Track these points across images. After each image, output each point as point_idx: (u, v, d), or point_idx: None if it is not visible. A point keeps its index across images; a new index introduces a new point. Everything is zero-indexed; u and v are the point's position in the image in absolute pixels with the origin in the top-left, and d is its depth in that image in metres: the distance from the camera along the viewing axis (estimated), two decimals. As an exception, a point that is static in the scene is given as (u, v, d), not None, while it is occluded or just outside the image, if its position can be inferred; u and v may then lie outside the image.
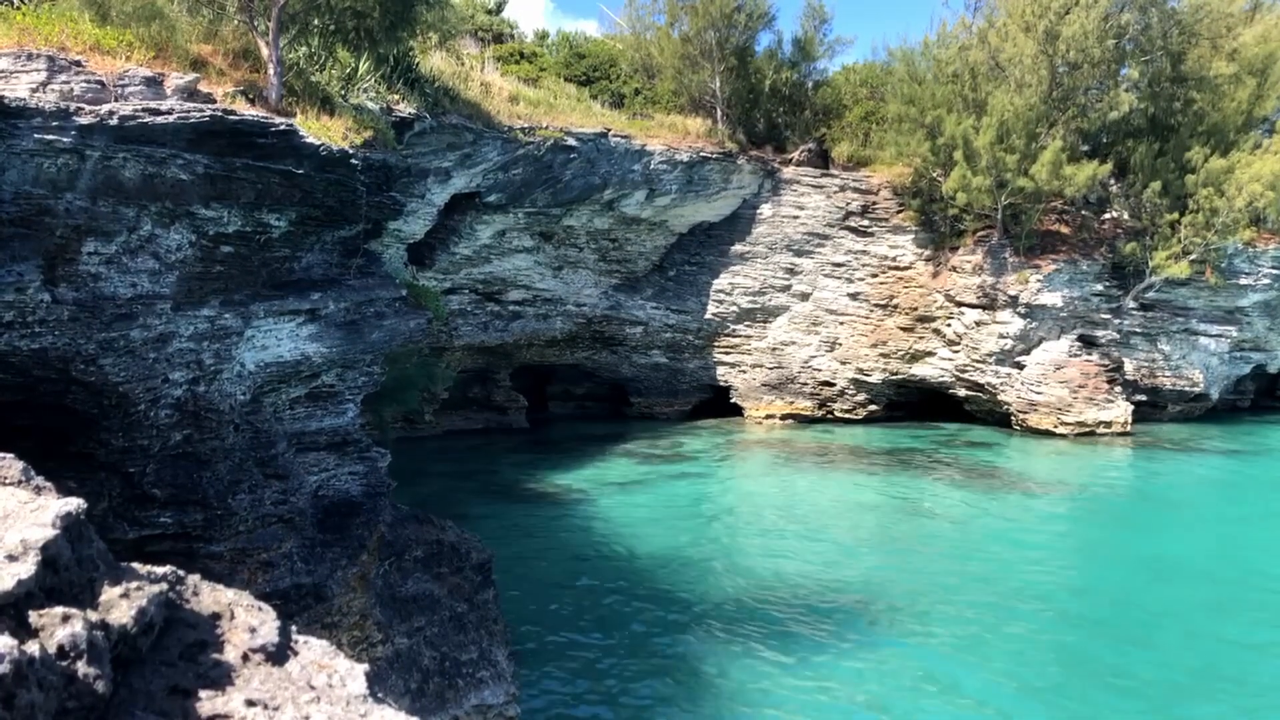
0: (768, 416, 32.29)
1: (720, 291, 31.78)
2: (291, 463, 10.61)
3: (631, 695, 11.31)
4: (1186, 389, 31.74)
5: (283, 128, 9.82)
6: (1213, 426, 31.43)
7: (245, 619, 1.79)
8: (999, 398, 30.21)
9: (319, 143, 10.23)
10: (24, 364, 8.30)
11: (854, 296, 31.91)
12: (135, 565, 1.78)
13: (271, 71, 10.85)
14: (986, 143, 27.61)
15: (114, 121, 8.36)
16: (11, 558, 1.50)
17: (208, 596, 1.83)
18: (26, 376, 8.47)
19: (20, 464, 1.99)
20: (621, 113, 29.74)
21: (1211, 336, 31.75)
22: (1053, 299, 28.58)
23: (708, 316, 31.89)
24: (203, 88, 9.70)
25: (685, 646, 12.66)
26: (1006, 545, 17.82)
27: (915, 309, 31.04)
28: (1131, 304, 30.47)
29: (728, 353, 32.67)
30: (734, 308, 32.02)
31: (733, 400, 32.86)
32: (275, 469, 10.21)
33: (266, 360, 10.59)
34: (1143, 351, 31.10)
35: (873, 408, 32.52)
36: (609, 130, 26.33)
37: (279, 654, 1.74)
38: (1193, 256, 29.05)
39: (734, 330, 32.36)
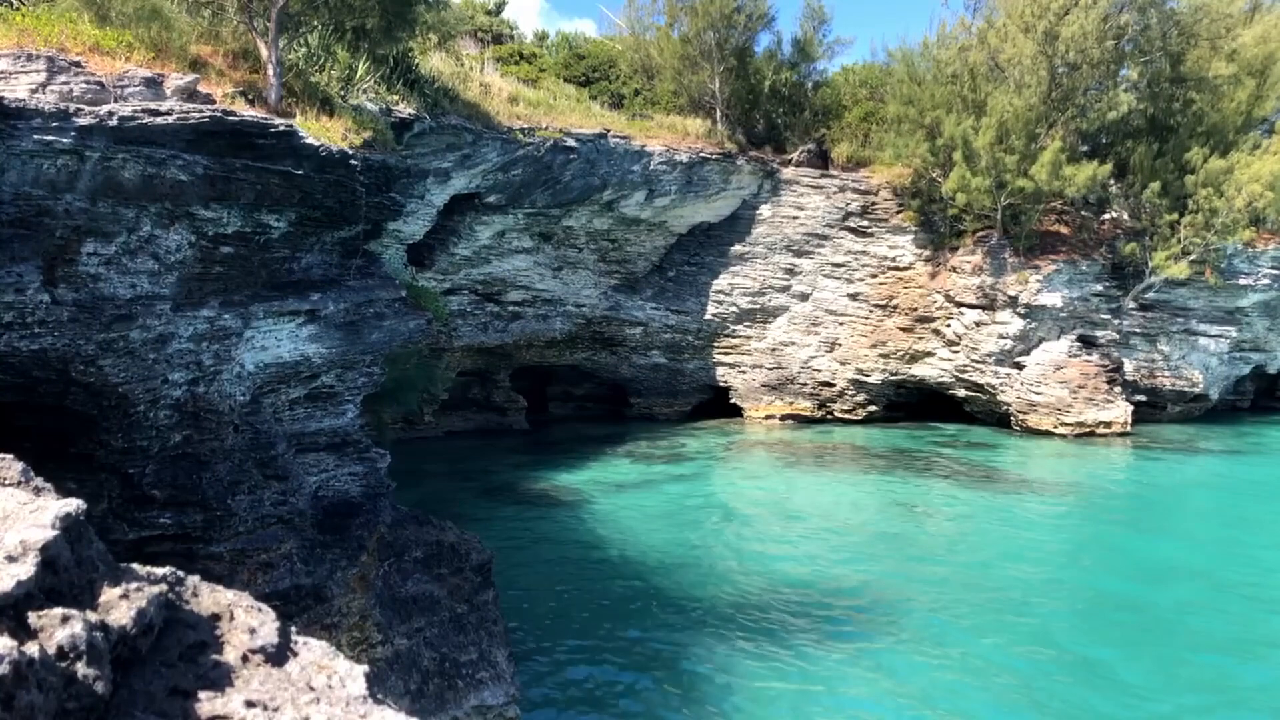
0: (767, 417, 32.30)
1: (720, 292, 31.79)
2: (291, 463, 10.61)
3: (631, 696, 11.31)
4: (1186, 389, 31.75)
5: (282, 128, 9.83)
6: (1212, 427, 31.44)
7: (245, 620, 1.79)
8: (999, 398, 30.22)
9: (318, 143, 10.24)
10: (23, 365, 8.30)
11: (853, 297, 31.91)
12: (135, 566, 1.78)
13: (271, 72, 10.86)
14: (986, 143, 27.62)
15: (113, 122, 8.36)
16: (11, 559, 1.50)
17: (207, 597, 1.83)
18: (26, 377, 8.47)
19: (20, 465, 1.99)
20: (621, 113, 29.75)
21: (1211, 337, 31.77)
22: (1052, 299, 28.59)
23: (707, 317, 31.89)
24: (202, 88, 9.70)
25: (685, 647, 12.66)
26: (1006, 546, 17.82)
27: (915, 309, 31.05)
28: (1131, 304, 30.48)
29: (727, 353, 32.68)
30: (733, 308, 32.03)
31: (732, 401, 32.87)
32: (275, 470, 10.21)
33: (266, 361, 10.60)
34: (1142, 352, 31.11)
35: (872, 408, 32.53)
36: (608, 131, 26.33)
37: (279, 655, 1.74)
38: (1192, 257, 29.07)
39: (733, 331, 32.37)
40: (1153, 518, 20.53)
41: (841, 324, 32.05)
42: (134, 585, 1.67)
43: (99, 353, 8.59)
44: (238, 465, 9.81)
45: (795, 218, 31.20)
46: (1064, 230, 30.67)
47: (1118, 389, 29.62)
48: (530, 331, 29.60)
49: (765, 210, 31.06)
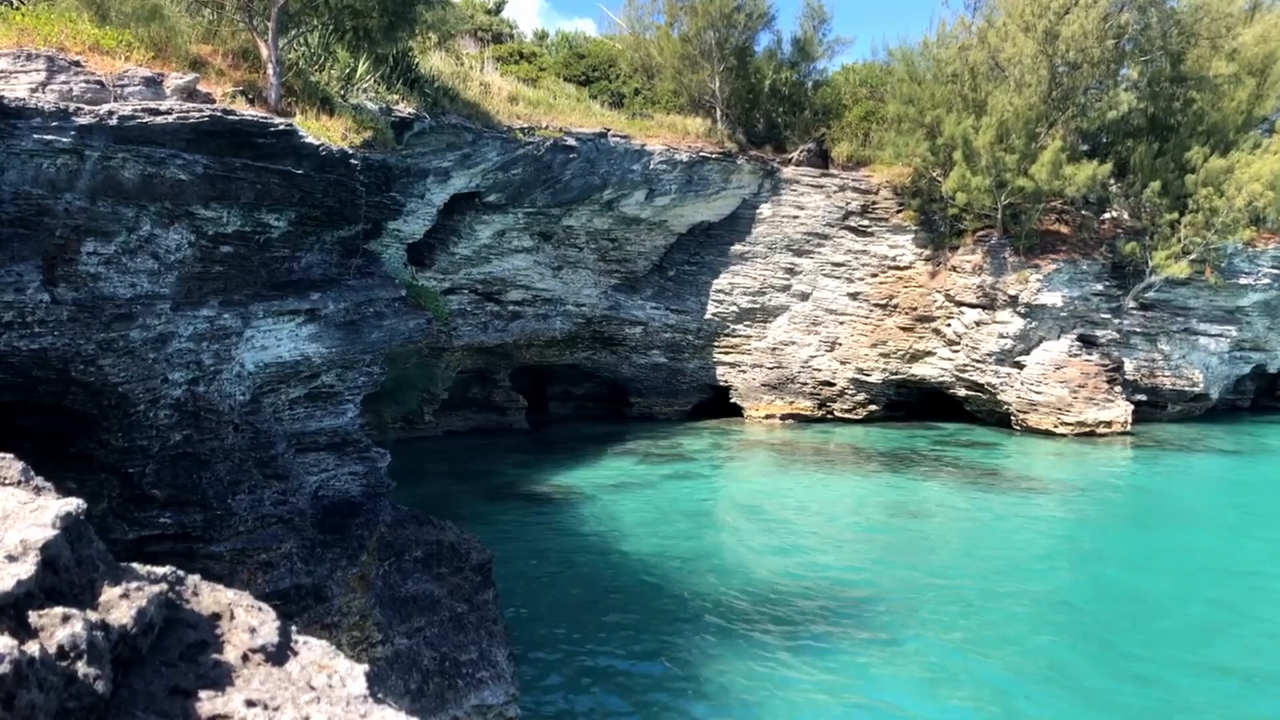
0: (768, 416, 32.30)
1: (720, 291, 31.78)
2: (291, 463, 10.61)
3: (631, 695, 11.31)
4: (1186, 389, 31.74)
5: (282, 128, 9.83)
6: (1213, 426, 31.43)
7: (245, 619, 1.79)
8: (999, 397, 30.21)
9: (318, 143, 10.23)
10: (24, 364, 8.29)
11: (854, 296, 31.91)
12: (135, 565, 1.78)
13: (271, 71, 10.85)
14: (986, 142, 27.61)
15: (113, 122, 8.36)
16: (11, 558, 1.50)
17: (208, 597, 1.82)
18: (26, 377, 8.47)
19: (20, 464, 1.98)
20: (621, 113, 29.74)
21: (1211, 336, 31.76)
22: (1052, 299, 28.59)
23: (707, 316, 31.89)
24: (202, 88, 9.70)
25: (685, 646, 12.66)
26: (1006, 545, 17.83)
27: (915, 309, 31.05)
28: (1131, 304, 30.47)
29: (727, 353, 32.67)
30: (734, 308, 32.03)
31: (733, 400, 32.86)
32: (275, 469, 10.21)
33: (266, 360, 10.60)
34: (1143, 351, 31.11)
35: (873, 407, 32.53)
36: (608, 130, 26.33)
37: (279, 654, 1.73)
38: (1192, 256, 29.06)
39: (734, 330, 32.37)
40: (1153, 518, 20.52)
41: (842, 323, 32.05)
42: (134, 585, 1.67)
43: (99, 352, 8.59)
44: (238, 465, 9.81)
45: (795, 217, 31.20)
46: (1064, 230, 30.67)
47: (1118, 388, 29.62)
48: (530, 331, 29.60)
49: (765, 209, 31.06)
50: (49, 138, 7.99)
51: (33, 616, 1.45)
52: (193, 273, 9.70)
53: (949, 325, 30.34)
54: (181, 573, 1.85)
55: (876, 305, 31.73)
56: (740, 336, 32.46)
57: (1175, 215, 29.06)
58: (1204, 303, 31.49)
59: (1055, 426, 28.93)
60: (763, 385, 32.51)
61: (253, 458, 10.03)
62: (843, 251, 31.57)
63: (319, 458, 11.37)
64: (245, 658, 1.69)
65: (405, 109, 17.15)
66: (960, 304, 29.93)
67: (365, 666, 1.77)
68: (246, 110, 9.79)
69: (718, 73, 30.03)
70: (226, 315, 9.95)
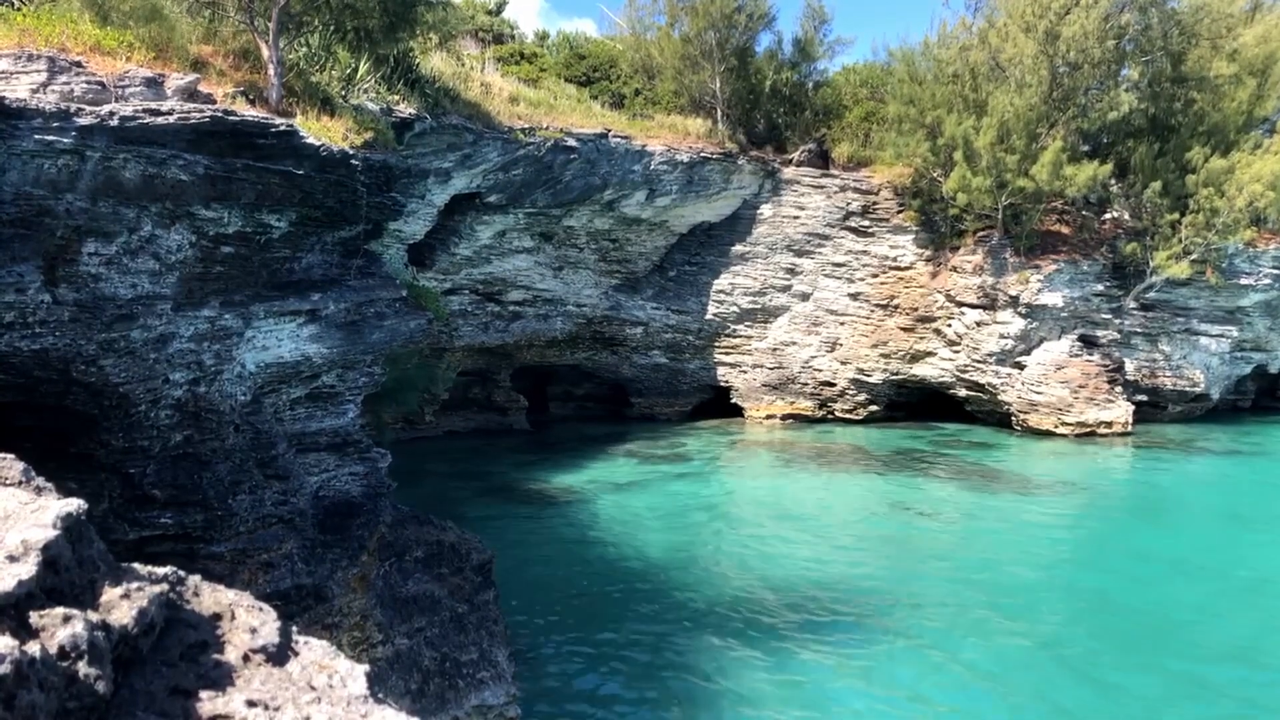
0: (768, 417, 32.29)
1: (720, 292, 31.78)
2: (292, 463, 10.62)
3: (631, 695, 11.31)
4: (1187, 389, 31.73)
5: (283, 128, 9.83)
6: (1213, 427, 31.41)
7: (246, 619, 1.79)
8: (999, 398, 30.20)
9: (319, 143, 10.24)
10: (25, 365, 8.30)
11: (854, 297, 31.90)
12: (136, 566, 1.78)
13: (272, 72, 10.86)
14: (987, 143, 27.60)
15: (114, 122, 8.37)
16: (12, 558, 1.50)
17: (208, 597, 1.83)
18: (27, 377, 8.47)
19: (21, 465, 1.99)
20: (622, 113, 29.74)
21: (1212, 337, 31.74)
22: (1053, 299, 28.58)
23: (708, 317, 31.89)
24: (203, 88, 9.71)
25: (685, 647, 12.66)
26: (1006, 546, 17.82)
27: (916, 309, 31.04)
28: (1132, 304, 30.46)
29: (728, 353, 32.67)
30: (734, 308, 32.02)
31: (733, 401, 32.86)
32: (276, 470, 10.21)
33: (267, 361, 10.60)
34: (1143, 351, 31.09)
35: (873, 408, 32.52)
36: (609, 131, 26.33)
37: (280, 655, 1.74)
38: (1193, 256, 29.04)
39: (734, 330, 32.36)
40: (1154, 518, 20.52)
41: (842, 324, 32.04)
42: (135, 585, 1.67)
43: (100, 353, 8.59)
44: (239, 465, 9.82)
45: (796, 217, 31.19)
46: (1065, 230, 30.65)
47: (1119, 389, 29.61)
48: (531, 331, 29.60)
49: (766, 210, 31.06)
50: (50, 138, 8.00)
51: (34, 617, 1.45)
52: (194, 273, 9.71)
53: (950, 326, 30.34)
54: (182, 573, 1.85)
55: (877, 306, 31.72)
56: (741, 337, 32.46)
57: (1176, 216, 29.05)
58: (1205, 303, 31.47)
59: (1056, 427, 28.93)
60: (763, 386, 32.51)
61: (253, 458, 10.04)
62: (843, 252, 31.56)
63: (320, 458, 11.38)
64: (246, 658, 1.69)
65: (406, 109, 17.16)
66: (961, 304, 29.93)
67: (366, 667, 1.78)
68: (247, 111, 9.79)
69: (718, 73, 30.02)
70: (227, 315, 9.96)
